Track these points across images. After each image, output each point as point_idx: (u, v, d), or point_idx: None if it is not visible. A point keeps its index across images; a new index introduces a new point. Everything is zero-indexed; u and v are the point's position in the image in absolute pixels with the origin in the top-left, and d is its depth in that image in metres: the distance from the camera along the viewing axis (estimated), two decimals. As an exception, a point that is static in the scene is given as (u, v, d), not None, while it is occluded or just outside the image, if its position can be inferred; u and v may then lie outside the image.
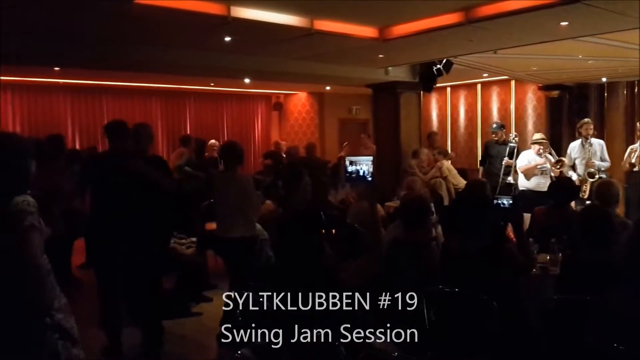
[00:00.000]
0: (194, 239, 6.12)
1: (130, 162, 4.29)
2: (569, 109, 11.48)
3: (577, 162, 7.74)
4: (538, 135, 7.84)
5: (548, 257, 4.13)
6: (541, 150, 7.45)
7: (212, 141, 10.38)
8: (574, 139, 8.25)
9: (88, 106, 11.49)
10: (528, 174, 7.45)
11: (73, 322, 2.71)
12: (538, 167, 7.41)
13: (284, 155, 11.10)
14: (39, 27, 6.28)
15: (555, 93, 11.50)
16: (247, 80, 10.70)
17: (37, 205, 2.52)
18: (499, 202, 4.03)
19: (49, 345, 2.54)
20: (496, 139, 8.52)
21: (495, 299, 2.93)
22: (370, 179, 3.85)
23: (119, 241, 4.19)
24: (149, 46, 7.33)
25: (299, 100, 13.89)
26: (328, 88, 12.60)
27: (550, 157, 7.50)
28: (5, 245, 2.46)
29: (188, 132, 12.57)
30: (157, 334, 4.54)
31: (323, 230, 3.67)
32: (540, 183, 7.42)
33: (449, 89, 13.26)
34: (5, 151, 2.58)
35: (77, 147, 10.66)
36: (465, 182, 8.27)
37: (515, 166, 7.94)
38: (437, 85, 10.44)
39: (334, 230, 5.43)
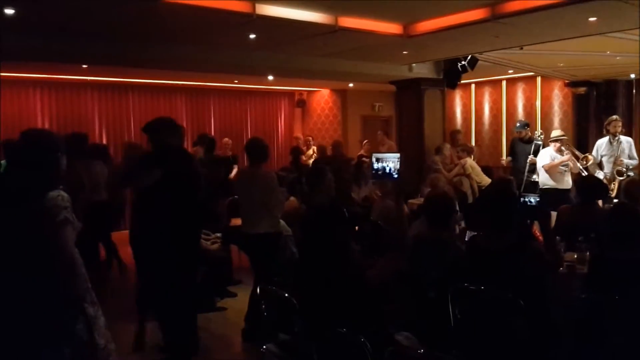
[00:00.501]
0: (218, 235, 6.18)
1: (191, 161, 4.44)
2: (597, 105, 11.29)
3: (604, 160, 7.62)
4: (557, 132, 7.72)
5: (575, 256, 4.08)
6: (563, 147, 7.36)
7: (226, 139, 10.47)
8: (601, 136, 8.11)
9: (115, 103, 11.64)
10: (552, 172, 7.35)
11: (101, 315, 2.77)
12: (564, 163, 7.32)
13: (310, 149, 11.25)
14: (67, 26, 6.39)
15: (582, 90, 11.32)
16: (270, 77, 10.75)
17: (70, 200, 2.58)
18: (526, 200, 4.00)
19: (81, 337, 2.60)
20: (522, 136, 8.42)
21: (521, 297, 2.91)
22: (396, 176, 3.85)
23: (168, 238, 4.25)
24: (175, 44, 7.42)
25: (322, 97, 13.89)
26: (351, 85, 12.59)
27: (567, 153, 7.40)
28: (42, 238, 2.53)
29: (212, 129, 12.70)
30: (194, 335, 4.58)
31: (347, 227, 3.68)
32: (563, 180, 7.34)
33: (473, 86, 13.13)
34: (38, 148, 2.65)
35: (104, 142, 10.80)
36: (489, 179, 8.21)
37: (531, 164, 7.86)
38: (462, 81, 10.37)
39: (356, 227, 5.43)
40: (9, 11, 5.52)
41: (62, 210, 2.52)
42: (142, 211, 4.43)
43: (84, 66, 8.89)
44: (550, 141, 7.52)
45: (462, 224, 4.98)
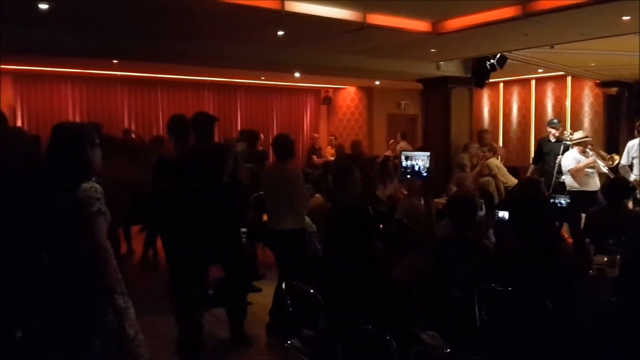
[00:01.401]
0: (244, 230, 6.21)
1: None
2: (628, 106, 11.06)
3: (635, 161, 7.43)
4: (579, 134, 7.56)
5: (605, 259, 4.01)
6: (587, 149, 7.23)
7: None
8: (632, 137, 7.92)
9: (144, 98, 11.84)
10: (578, 175, 7.24)
11: (131, 306, 2.81)
12: (589, 166, 7.20)
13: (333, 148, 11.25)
14: (98, 21, 6.50)
15: (613, 90, 11.10)
16: (297, 74, 10.77)
17: (103, 192, 2.63)
18: (556, 201, 3.94)
19: (111, 328, 2.64)
20: (557, 135, 8.27)
21: (548, 299, 2.87)
22: (425, 174, 3.83)
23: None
24: (203, 40, 7.48)
25: (348, 94, 13.88)
26: (377, 83, 12.55)
27: (592, 154, 7.27)
28: (76, 230, 2.58)
29: (238, 125, 12.83)
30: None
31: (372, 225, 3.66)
32: (590, 182, 7.23)
33: (501, 85, 12.98)
34: (64, 141, 2.70)
35: (133, 136, 10.95)
36: (515, 180, 8.12)
37: (560, 165, 7.74)
38: (490, 80, 10.25)
39: (381, 226, 5.42)
40: (43, 6, 5.63)
41: (95, 202, 2.56)
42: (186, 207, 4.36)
43: (115, 61, 9.03)
44: (574, 144, 7.41)
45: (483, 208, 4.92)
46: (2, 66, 9.59)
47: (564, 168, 7.43)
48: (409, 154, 3.84)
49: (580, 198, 6.87)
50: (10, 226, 3.29)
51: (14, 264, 3.30)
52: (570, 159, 7.34)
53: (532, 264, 3.07)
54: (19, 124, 10.40)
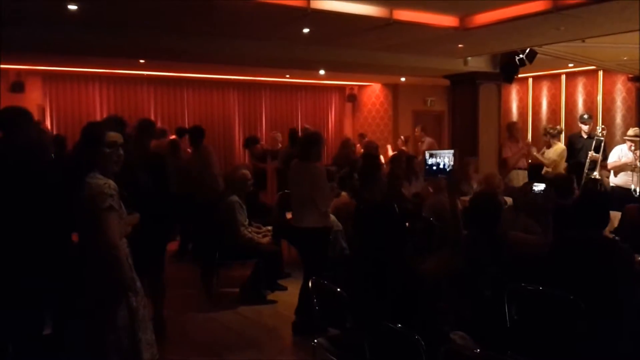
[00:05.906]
0: (269, 228, 6.21)
1: None
2: (662, 101, 10.76)
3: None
4: (632, 131, 7.41)
5: (639, 258, 3.89)
6: (633, 147, 7.06)
7: (273, 133, 10.49)
8: (666, 134, 7.72)
9: (170, 97, 11.93)
10: (616, 171, 7.11)
11: (144, 306, 2.78)
12: (628, 164, 7.04)
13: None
14: (125, 21, 6.56)
15: (646, 84, 10.82)
16: (322, 72, 10.73)
17: (117, 189, 2.62)
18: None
19: (124, 325, 2.63)
20: (588, 131, 8.08)
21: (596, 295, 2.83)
22: (449, 171, 3.77)
23: None
24: (229, 38, 7.50)
25: (373, 91, 13.78)
26: (403, 79, 12.43)
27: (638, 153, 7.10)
28: (89, 225, 2.58)
29: (263, 123, 12.88)
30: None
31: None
32: (629, 180, 7.06)
33: (530, 80, 12.72)
34: (83, 140, 2.73)
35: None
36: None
37: (600, 161, 7.57)
38: (519, 75, 10.06)
39: (407, 224, 5.35)
40: (72, 7, 5.70)
41: (107, 198, 2.55)
42: None
43: (141, 61, 9.11)
44: (625, 138, 7.28)
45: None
46: (31, 67, 9.83)
47: (609, 161, 7.30)
48: (433, 151, 3.79)
49: (621, 195, 6.76)
50: (33, 220, 3.29)
51: (38, 258, 3.31)
52: (615, 155, 7.24)
53: (593, 255, 3.04)
54: (48, 123, 10.58)
